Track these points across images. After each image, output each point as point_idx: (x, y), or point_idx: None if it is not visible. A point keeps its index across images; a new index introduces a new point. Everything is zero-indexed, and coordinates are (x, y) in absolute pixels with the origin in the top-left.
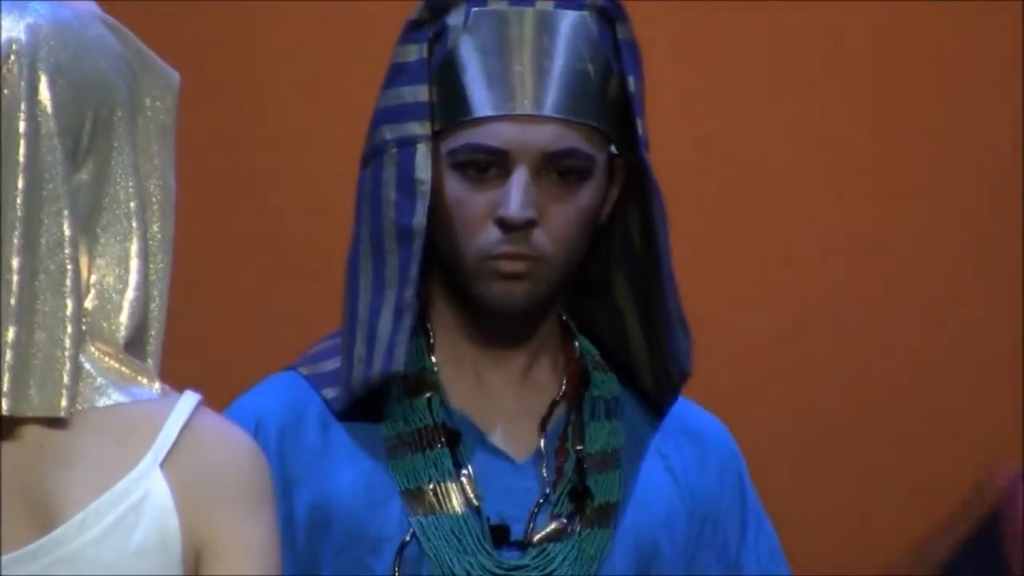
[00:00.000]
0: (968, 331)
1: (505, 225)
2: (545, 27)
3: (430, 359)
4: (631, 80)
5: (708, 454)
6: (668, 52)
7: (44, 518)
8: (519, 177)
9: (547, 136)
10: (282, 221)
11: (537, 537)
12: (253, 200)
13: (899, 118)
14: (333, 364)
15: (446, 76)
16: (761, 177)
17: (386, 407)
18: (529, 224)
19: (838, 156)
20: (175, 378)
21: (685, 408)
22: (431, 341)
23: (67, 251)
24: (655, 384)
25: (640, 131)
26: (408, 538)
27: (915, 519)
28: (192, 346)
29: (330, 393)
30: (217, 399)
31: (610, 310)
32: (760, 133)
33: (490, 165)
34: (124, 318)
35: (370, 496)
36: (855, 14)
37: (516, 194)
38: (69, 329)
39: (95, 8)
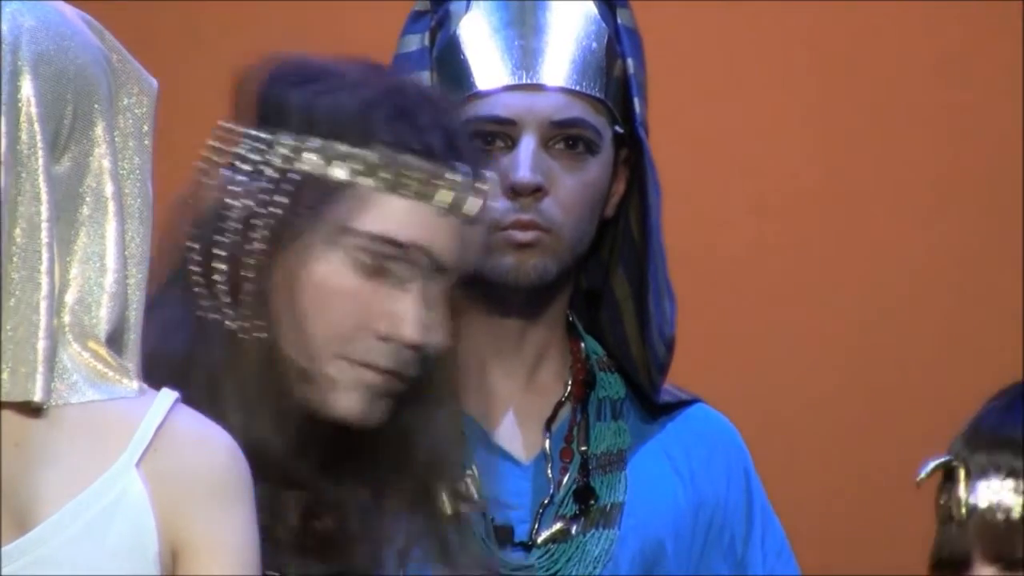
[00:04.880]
0: (969, 330)
1: (515, 190)
2: (549, 7)
3: None
4: (631, 63)
5: (715, 453)
6: (670, 52)
7: (21, 518)
8: (527, 144)
9: (553, 104)
10: None
11: (541, 538)
12: None
13: (899, 117)
14: None
15: (449, 58)
16: (762, 177)
17: None
18: (538, 191)
19: (839, 157)
20: None
21: (692, 407)
22: None
23: (44, 237)
24: (647, 376)
25: (638, 110)
26: None
27: (917, 520)
28: None
29: None
30: None
31: (611, 306)
32: (761, 133)
33: (496, 137)
34: (103, 313)
35: None
36: (855, 13)
37: (525, 159)
38: (43, 314)
39: (73, 8)
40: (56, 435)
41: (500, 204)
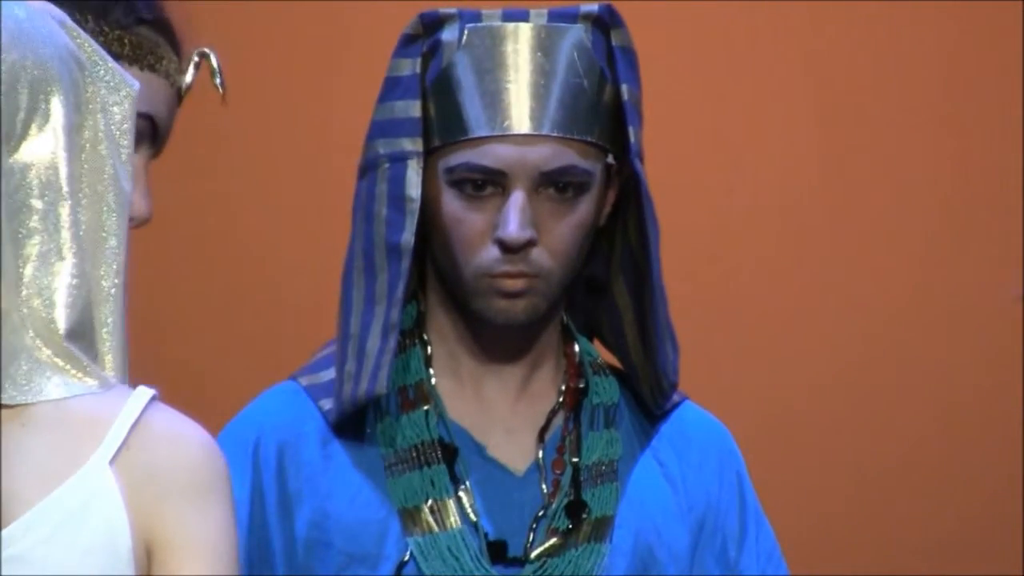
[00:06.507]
0: (968, 331)
1: (504, 246)
2: (539, 43)
3: (427, 371)
4: (625, 88)
5: (707, 456)
6: (668, 51)
7: None
8: (517, 198)
9: (544, 155)
10: (282, 227)
11: (535, 553)
12: (254, 205)
13: (899, 119)
14: (331, 374)
15: (442, 93)
16: (762, 176)
17: (383, 423)
18: (528, 244)
19: (839, 159)
20: (176, 389)
21: (684, 410)
22: (428, 353)
23: None
24: (649, 391)
25: (632, 140)
26: (406, 558)
27: (916, 519)
28: (194, 356)
29: (326, 405)
30: (219, 410)
31: (611, 308)
32: (761, 132)
33: (487, 183)
34: (61, 310)
35: (368, 515)
36: (855, 14)
37: (514, 216)
38: None
39: (51, 8)
40: (26, 434)
41: (489, 253)
